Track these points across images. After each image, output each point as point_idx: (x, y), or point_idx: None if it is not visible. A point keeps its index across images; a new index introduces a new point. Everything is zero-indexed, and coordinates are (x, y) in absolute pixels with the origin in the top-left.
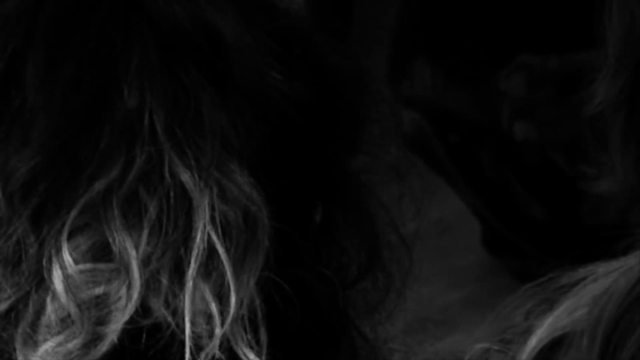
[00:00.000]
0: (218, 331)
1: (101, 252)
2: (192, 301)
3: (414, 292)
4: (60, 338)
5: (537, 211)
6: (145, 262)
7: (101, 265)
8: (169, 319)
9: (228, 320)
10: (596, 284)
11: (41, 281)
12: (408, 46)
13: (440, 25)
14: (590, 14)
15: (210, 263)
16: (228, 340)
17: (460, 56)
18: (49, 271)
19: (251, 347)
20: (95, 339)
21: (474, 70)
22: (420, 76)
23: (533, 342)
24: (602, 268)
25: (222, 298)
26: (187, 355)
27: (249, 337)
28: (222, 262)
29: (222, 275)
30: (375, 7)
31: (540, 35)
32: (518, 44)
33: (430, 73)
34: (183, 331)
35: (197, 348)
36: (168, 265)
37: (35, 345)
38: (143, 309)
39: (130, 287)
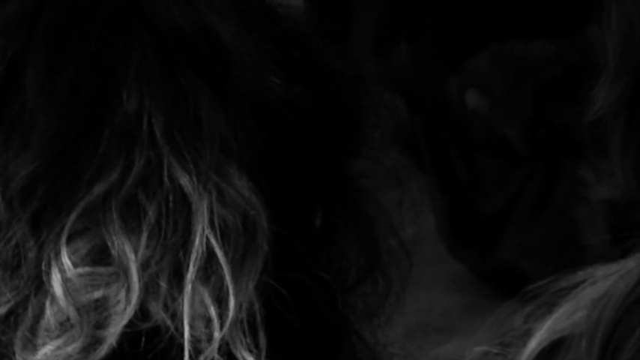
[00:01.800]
0: (217, 335)
1: (100, 255)
2: (191, 305)
3: (415, 297)
4: (59, 342)
5: (490, 203)
6: (143, 266)
7: (100, 269)
8: (168, 322)
9: (227, 324)
10: (595, 287)
11: (40, 285)
12: (390, 28)
13: (421, 9)
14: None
15: (209, 267)
16: (227, 344)
17: (436, 40)
18: (48, 275)
19: (250, 351)
20: (94, 342)
21: (446, 54)
22: (396, 56)
23: (533, 345)
24: (600, 271)
25: (221, 302)
26: (186, 359)
27: (248, 340)
28: (221, 266)
29: (221, 279)
30: (376, 12)
31: (509, 22)
32: (491, 32)
33: (405, 53)
34: (182, 335)
35: (196, 351)
36: (167, 269)
37: (34, 348)
38: (142, 312)
39: (129, 291)
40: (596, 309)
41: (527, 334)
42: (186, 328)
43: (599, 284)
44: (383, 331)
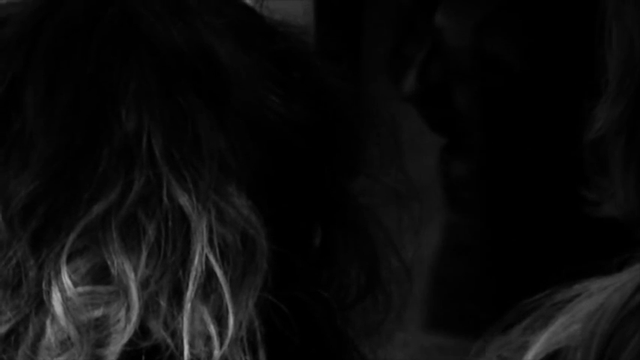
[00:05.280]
0: (217, 353)
1: (100, 274)
2: (191, 323)
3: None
4: None
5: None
6: (143, 285)
7: (100, 288)
8: (168, 340)
9: (227, 342)
10: (591, 300)
11: (41, 304)
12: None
13: None
14: None
15: (208, 285)
16: None
17: None
18: (49, 294)
19: None
20: None
21: None
22: None
23: (529, 358)
24: (596, 284)
25: (220, 320)
26: None
27: (248, 358)
28: (221, 284)
29: (221, 297)
30: (384, 30)
31: None
32: None
33: None
34: (182, 353)
35: None
36: (166, 288)
37: None
38: (142, 331)
39: (128, 309)
40: (591, 322)
41: (523, 347)
42: (186, 347)
43: (594, 297)
44: (384, 348)
